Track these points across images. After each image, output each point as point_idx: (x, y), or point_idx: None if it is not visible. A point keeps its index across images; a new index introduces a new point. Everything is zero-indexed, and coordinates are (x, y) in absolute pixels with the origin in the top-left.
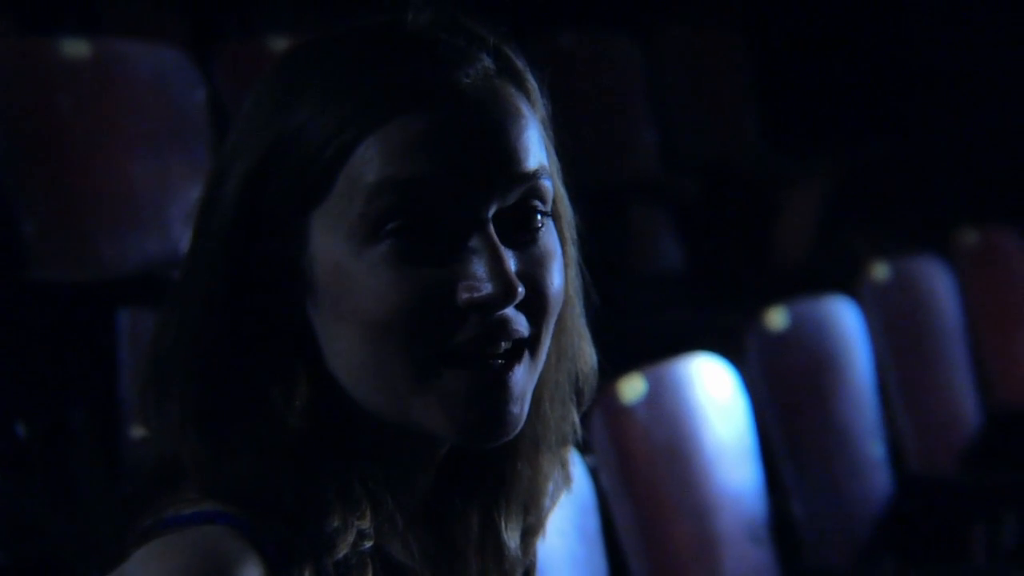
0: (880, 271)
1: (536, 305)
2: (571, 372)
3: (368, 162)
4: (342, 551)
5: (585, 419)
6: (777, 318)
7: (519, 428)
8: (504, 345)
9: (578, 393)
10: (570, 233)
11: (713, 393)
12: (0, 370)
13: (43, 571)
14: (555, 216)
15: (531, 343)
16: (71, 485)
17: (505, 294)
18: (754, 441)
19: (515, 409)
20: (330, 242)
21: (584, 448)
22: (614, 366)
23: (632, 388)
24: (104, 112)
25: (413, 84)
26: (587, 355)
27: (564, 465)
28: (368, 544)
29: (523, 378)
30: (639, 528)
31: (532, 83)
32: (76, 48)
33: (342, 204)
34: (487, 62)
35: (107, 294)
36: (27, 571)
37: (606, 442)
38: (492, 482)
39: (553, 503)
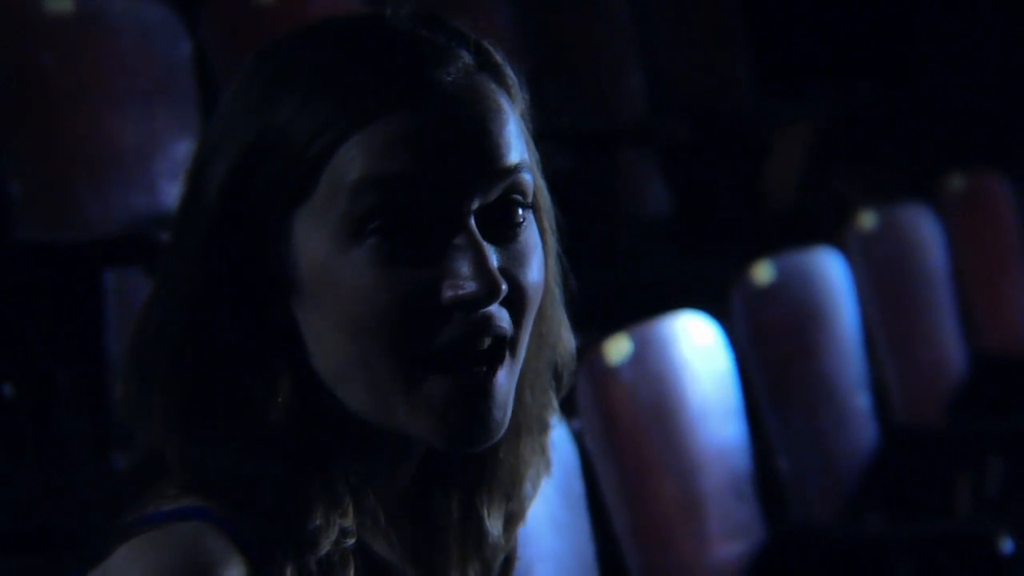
0: (866, 220)
1: (517, 301)
2: (551, 359)
3: (351, 162)
4: (324, 549)
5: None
6: (763, 272)
7: (502, 432)
8: (487, 341)
9: (557, 378)
10: (550, 223)
11: (698, 350)
12: None
13: (34, 536)
14: (535, 208)
15: (511, 342)
16: (58, 444)
17: (489, 292)
18: (739, 397)
19: (498, 414)
20: (314, 241)
21: (569, 412)
22: (601, 318)
23: (617, 349)
24: (88, 68)
25: (395, 84)
26: (566, 341)
27: (544, 451)
28: (350, 541)
29: (505, 382)
30: (624, 490)
31: (511, 77)
32: (59, 4)
33: (325, 203)
34: (467, 59)
35: (93, 254)
36: (17, 537)
37: (591, 404)
38: (474, 471)
39: (535, 490)
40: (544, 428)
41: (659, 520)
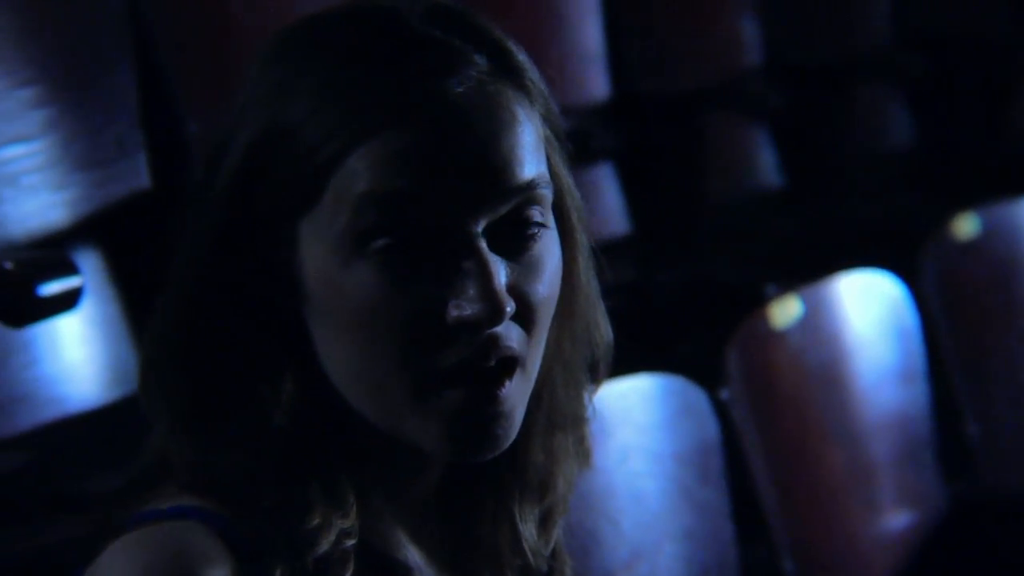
0: None
1: (527, 317)
2: (584, 355)
3: (355, 175)
4: (322, 549)
5: (718, 351)
6: (965, 225)
7: (509, 443)
8: (493, 361)
9: (593, 370)
10: (580, 221)
11: (878, 311)
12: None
13: None
14: (560, 211)
15: (522, 359)
16: None
17: (493, 313)
18: (923, 359)
19: (505, 425)
20: (319, 252)
21: (711, 382)
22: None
23: (785, 311)
24: (274, 6)
25: (402, 95)
26: (604, 333)
27: (582, 442)
28: (350, 542)
29: (514, 394)
30: (781, 460)
31: (532, 79)
32: None
33: (330, 214)
34: (482, 65)
35: None
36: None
37: (746, 372)
38: (505, 471)
39: (569, 485)
40: (578, 423)
41: (822, 490)
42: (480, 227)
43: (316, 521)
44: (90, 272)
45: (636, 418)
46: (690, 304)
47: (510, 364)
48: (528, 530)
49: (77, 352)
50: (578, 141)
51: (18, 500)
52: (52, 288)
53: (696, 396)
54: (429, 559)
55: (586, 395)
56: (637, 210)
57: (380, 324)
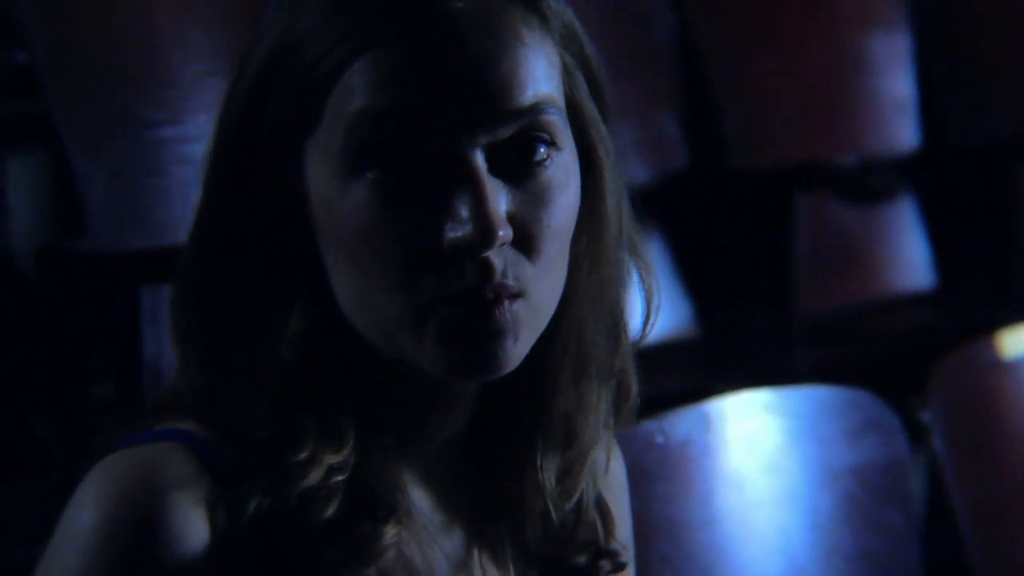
0: None
1: (531, 246)
2: (620, 304)
3: (351, 90)
4: (308, 483)
5: (926, 373)
6: None
7: (512, 365)
8: (490, 291)
9: (614, 327)
10: (607, 159)
11: None
12: None
13: None
14: (585, 145)
15: (524, 292)
16: None
17: (484, 234)
18: None
19: (503, 344)
20: (320, 175)
21: (900, 400)
22: None
23: (1017, 342)
24: None
25: (399, 8)
26: (647, 284)
27: (626, 399)
28: (338, 478)
29: (518, 314)
30: (995, 495)
31: (550, 4)
32: None
33: (328, 135)
34: None
35: None
36: None
37: (960, 400)
38: (530, 419)
39: (593, 438)
40: (609, 374)
41: None
42: (477, 149)
43: (304, 455)
44: None
45: (812, 428)
46: None
47: (509, 296)
48: (548, 480)
49: None
50: (858, 180)
51: None
52: None
53: (883, 412)
54: (442, 505)
55: (626, 348)
56: (945, 262)
57: (376, 247)
